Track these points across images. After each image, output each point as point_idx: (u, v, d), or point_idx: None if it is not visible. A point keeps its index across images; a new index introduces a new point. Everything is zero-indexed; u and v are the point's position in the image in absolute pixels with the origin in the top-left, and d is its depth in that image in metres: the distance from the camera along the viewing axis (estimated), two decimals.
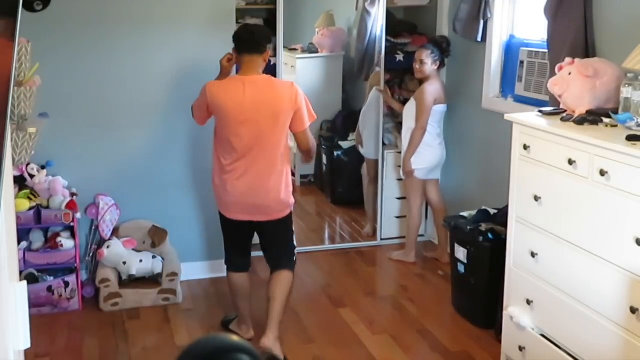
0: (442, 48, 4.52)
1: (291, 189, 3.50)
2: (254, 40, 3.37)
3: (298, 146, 3.55)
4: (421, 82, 4.58)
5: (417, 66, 4.50)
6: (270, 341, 3.41)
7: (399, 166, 4.80)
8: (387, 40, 5.00)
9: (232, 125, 3.34)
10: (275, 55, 4.57)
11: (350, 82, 5.67)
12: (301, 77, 5.69)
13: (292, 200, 3.52)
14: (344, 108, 5.81)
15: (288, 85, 3.40)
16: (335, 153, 5.63)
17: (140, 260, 4.11)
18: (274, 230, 3.51)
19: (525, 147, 3.05)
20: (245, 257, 3.63)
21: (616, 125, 2.79)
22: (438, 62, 4.48)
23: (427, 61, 4.45)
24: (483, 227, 3.77)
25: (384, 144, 5.14)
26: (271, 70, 4.45)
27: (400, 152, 4.81)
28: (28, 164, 3.89)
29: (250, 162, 3.36)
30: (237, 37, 3.43)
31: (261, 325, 3.56)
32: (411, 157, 4.50)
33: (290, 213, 3.54)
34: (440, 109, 4.52)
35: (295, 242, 3.63)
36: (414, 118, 4.49)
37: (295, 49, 5.87)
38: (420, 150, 4.50)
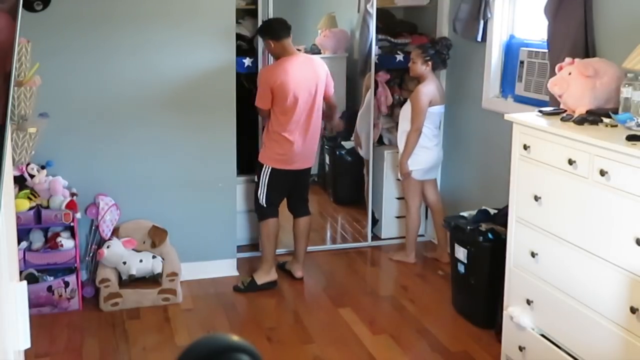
0: (436, 49, 4.50)
1: None
2: (287, 26, 4.18)
3: (327, 107, 4.43)
4: (419, 82, 4.57)
5: (409, 65, 4.52)
6: (300, 272, 4.46)
7: (398, 166, 4.80)
8: (387, 40, 4.99)
9: (293, 95, 4.09)
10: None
11: (354, 83, 5.67)
12: None
13: None
14: (347, 108, 5.81)
15: (321, 61, 4.37)
16: (338, 152, 5.63)
17: (140, 260, 4.11)
18: (306, 175, 4.42)
19: (525, 147, 3.05)
20: (279, 204, 4.38)
21: (616, 125, 2.79)
22: (429, 63, 4.45)
23: (417, 60, 4.44)
24: (483, 227, 3.77)
25: (383, 143, 5.14)
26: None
27: (398, 152, 4.81)
28: (28, 164, 3.89)
29: (306, 121, 4.18)
30: (274, 29, 4.17)
31: None
32: (407, 160, 4.50)
33: None
34: (436, 110, 4.51)
35: None
36: (409, 120, 4.48)
37: (298, 49, 5.86)
38: (416, 151, 4.48)
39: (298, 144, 4.19)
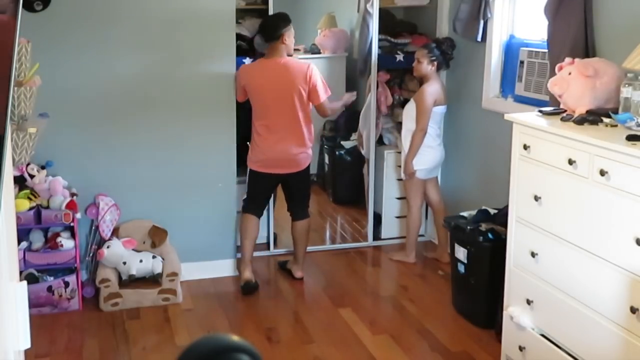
0: (442, 49, 4.50)
1: (311, 146, 4.29)
2: (270, 31, 4.15)
3: (318, 113, 4.30)
4: (421, 82, 4.58)
5: (414, 64, 4.51)
6: (299, 273, 4.45)
7: (399, 166, 4.80)
8: (387, 40, 4.99)
9: (260, 99, 4.13)
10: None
11: (353, 82, 5.68)
12: None
13: (311, 153, 4.32)
14: (347, 108, 5.81)
15: (303, 67, 4.16)
16: (337, 152, 5.64)
17: (140, 260, 4.11)
18: (298, 180, 4.31)
19: (525, 147, 3.05)
20: (262, 206, 4.39)
21: (616, 125, 2.79)
22: (435, 63, 4.46)
23: (423, 60, 4.44)
24: (483, 227, 3.77)
25: (383, 143, 5.14)
26: None
27: (399, 152, 4.81)
28: (28, 164, 3.89)
29: (277, 126, 4.14)
30: (259, 30, 4.35)
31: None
32: (413, 159, 4.50)
33: (309, 165, 4.34)
34: (439, 110, 4.51)
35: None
36: (413, 119, 4.48)
37: (297, 50, 5.87)
38: (421, 151, 4.49)
39: (273, 148, 4.17)
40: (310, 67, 4.14)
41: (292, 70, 4.12)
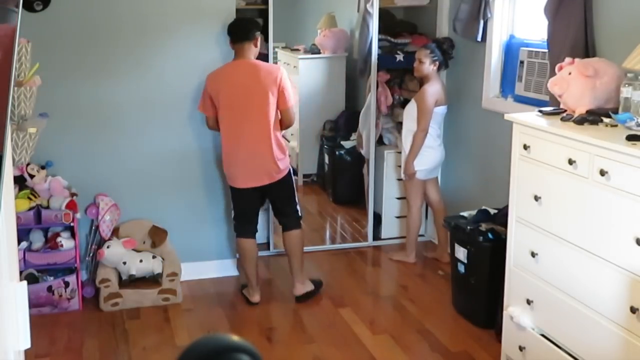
0: (442, 49, 4.50)
1: (285, 153, 4.01)
2: (243, 30, 3.95)
3: (280, 121, 3.99)
4: (421, 82, 4.58)
5: (415, 65, 4.51)
6: (299, 289, 4.14)
7: (399, 166, 4.80)
8: (387, 40, 4.99)
9: (230, 104, 3.88)
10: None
11: (353, 82, 5.69)
12: (304, 77, 5.70)
13: (287, 162, 4.03)
14: (347, 108, 5.82)
15: (274, 68, 3.98)
16: (337, 152, 5.64)
17: (140, 260, 4.11)
18: (278, 191, 4.04)
19: (525, 147, 3.05)
20: (253, 223, 4.13)
21: (616, 125, 2.79)
22: (437, 63, 4.46)
23: (425, 60, 4.44)
24: (483, 227, 3.77)
25: (383, 143, 5.14)
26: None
27: (399, 152, 4.81)
28: (28, 164, 3.89)
29: (248, 135, 3.88)
30: (229, 30, 4.01)
31: None
32: (414, 160, 4.49)
33: (289, 174, 4.05)
34: (440, 110, 4.51)
35: (297, 201, 4.19)
36: (414, 119, 4.48)
37: (297, 50, 5.88)
38: (421, 151, 4.48)
39: (239, 159, 3.92)
40: (281, 70, 3.94)
41: (263, 72, 3.89)
